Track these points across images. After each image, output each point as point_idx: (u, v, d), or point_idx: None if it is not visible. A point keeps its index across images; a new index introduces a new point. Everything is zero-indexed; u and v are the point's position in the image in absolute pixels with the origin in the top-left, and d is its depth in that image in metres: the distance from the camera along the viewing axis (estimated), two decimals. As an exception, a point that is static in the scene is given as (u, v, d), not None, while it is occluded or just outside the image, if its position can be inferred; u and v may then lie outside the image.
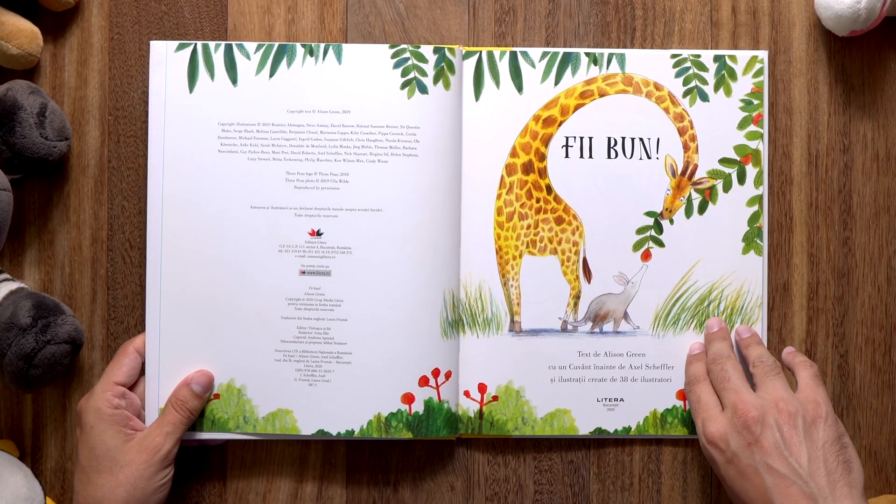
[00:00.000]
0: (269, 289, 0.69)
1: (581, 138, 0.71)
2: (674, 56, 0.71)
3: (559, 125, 0.71)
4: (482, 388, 0.71)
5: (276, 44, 0.69)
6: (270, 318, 0.69)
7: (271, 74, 0.69)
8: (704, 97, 0.71)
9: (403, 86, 0.69)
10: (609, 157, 0.71)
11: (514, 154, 0.71)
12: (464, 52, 0.70)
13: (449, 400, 0.69)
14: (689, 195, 0.71)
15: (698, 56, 0.71)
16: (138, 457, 0.64)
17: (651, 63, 0.71)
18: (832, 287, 0.73)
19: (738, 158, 0.71)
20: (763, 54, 0.72)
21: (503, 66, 0.71)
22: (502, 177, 0.71)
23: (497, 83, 0.71)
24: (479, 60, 0.71)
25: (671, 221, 0.71)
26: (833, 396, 0.72)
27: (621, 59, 0.71)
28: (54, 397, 0.71)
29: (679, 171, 0.71)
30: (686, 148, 0.71)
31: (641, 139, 0.71)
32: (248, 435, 0.70)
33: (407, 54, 0.69)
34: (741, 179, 0.71)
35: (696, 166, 0.71)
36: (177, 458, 0.67)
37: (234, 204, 0.69)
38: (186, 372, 0.69)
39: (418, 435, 0.69)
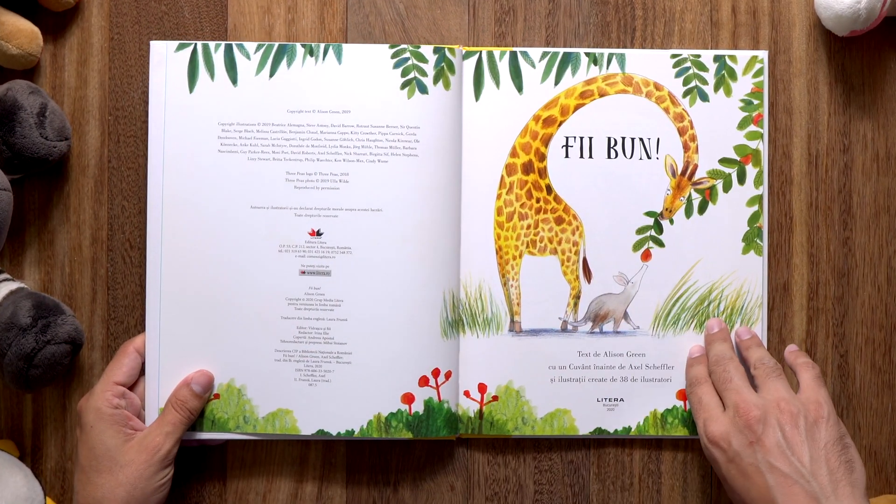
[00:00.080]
0: (269, 289, 0.69)
1: (581, 138, 0.71)
2: (674, 56, 0.71)
3: (559, 125, 0.71)
4: (482, 388, 0.71)
5: (276, 44, 0.69)
6: (270, 318, 0.69)
7: (271, 74, 0.69)
8: (704, 97, 0.71)
9: (403, 86, 0.69)
10: (609, 157, 0.71)
11: (514, 154, 0.71)
12: (464, 52, 0.70)
13: (449, 400, 0.69)
14: (689, 195, 0.71)
15: (698, 56, 0.71)
16: (138, 457, 0.64)
17: (651, 63, 0.71)
18: (832, 287, 0.73)
19: (738, 158, 0.71)
20: (763, 54, 0.72)
21: (503, 66, 0.71)
22: (502, 177, 0.71)
23: (497, 83, 0.71)
24: (479, 60, 0.71)
25: (671, 221, 0.71)
26: (833, 396, 0.72)
27: (621, 59, 0.71)
28: (54, 397, 0.71)
29: (679, 171, 0.71)
30: (686, 148, 0.71)
31: (641, 139, 0.71)
32: (248, 435, 0.70)
33: (407, 54, 0.69)
34: (741, 179, 0.71)
35: (696, 166, 0.71)
36: (177, 458, 0.67)
37: (234, 204, 0.69)
38: (186, 372, 0.69)
39: (418, 435, 0.69)
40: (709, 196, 0.71)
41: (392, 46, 0.69)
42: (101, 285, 0.72)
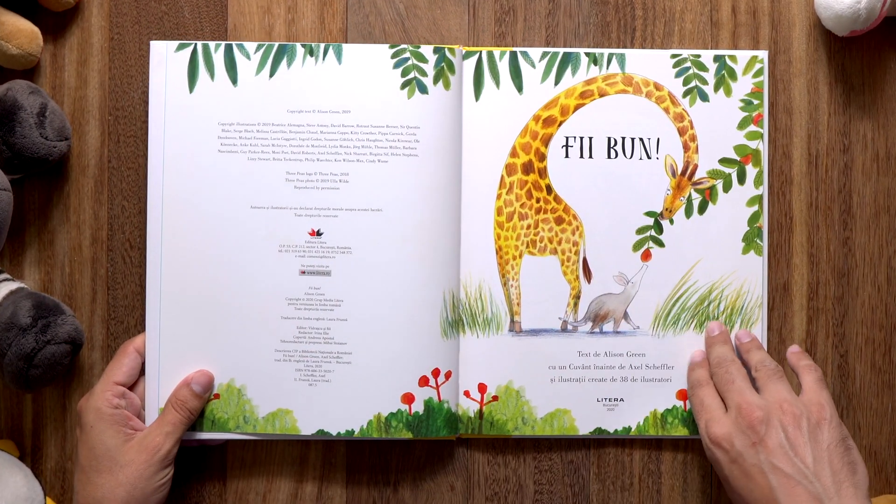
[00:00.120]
0: (269, 289, 0.69)
1: (581, 138, 0.71)
2: (674, 56, 0.71)
3: (559, 125, 0.71)
4: (482, 388, 0.71)
5: (276, 44, 0.69)
6: (270, 318, 0.69)
7: (271, 74, 0.69)
8: (704, 97, 0.71)
9: (403, 86, 0.69)
10: (609, 157, 0.71)
11: (514, 154, 0.71)
12: (464, 52, 0.70)
13: (449, 400, 0.69)
14: (689, 195, 0.71)
15: (698, 56, 0.71)
16: (138, 456, 0.64)
17: (651, 63, 0.71)
18: (832, 287, 0.73)
19: (738, 158, 0.71)
20: (763, 54, 0.72)
21: (503, 66, 0.71)
22: (502, 177, 0.71)
23: (497, 83, 0.71)
24: (479, 60, 0.71)
25: (671, 221, 0.71)
26: (833, 396, 0.72)
27: (621, 59, 0.71)
28: (54, 397, 0.71)
29: (679, 171, 0.71)
30: (686, 148, 0.71)
31: (641, 139, 0.71)
32: (248, 435, 0.70)
33: (407, 54, 0.69)
34: (741, 179, 0.71)
35: (696, 166, 0.71)
36: (177, 458, 0.67)
37: (234, 204, 0.69)
38: (186, 372, 0.69)
39: (418, 435, 0.69)
40: (709, 196, 0.71)
41: (392, 46, 0.69)
42: (101, 285, 0.72)
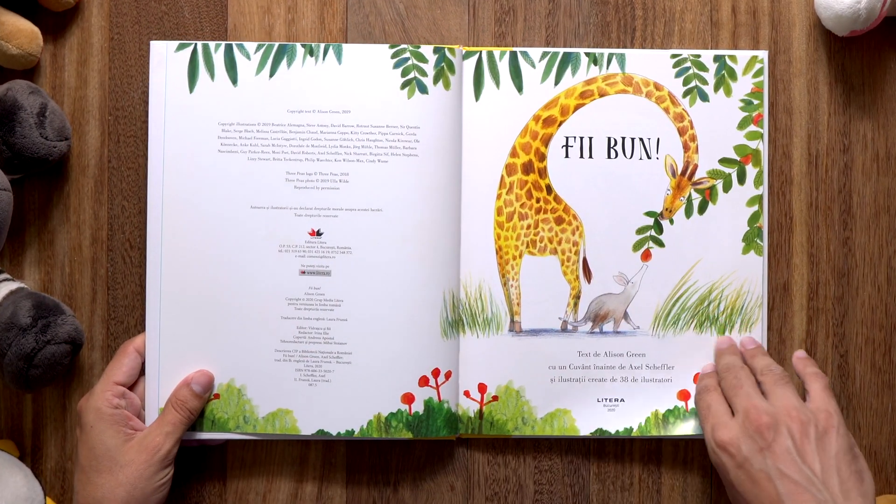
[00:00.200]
0: (269, 289, 0.69)
1: (581, 138, 0.71)
2: (674, 56, 0.71)
3: (559, 125, 0.71)
4: (482, 388, 0.71)
5: (276, 44, 0.69)
6: (270, 318, 0.69)
7: (271, 74, 0.69)
8: (704, 97, 0.71)
9: (403, 86, 0.69)
10: (609, 157, 0.71)
11: (514, 154, 0.71)
12: (464, 52, 0.70)
13: (449, 400, 0.69)
14: (689, 195, 0.71)
15: (698, 56, 0.71)
16: (138, 456, 0.64)
17: (651, 63, 0.71)
18: (832, 287, 0.73)
19: (738, 158, 0.71)
20: (763, 54, 0.72)
21: (503, 66, 0.71)
22: (502, 177, 0.71)
23: (497, 83, 0.71)
24: (479, 60, 0.71)
25: (671, 221, 0.71)
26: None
27: (621, 59, 0.71)
28: (54, 397, 0.71)
29: (679, 171, 0.71)
30: (686, 148, 0.71)
31: (641, 139, 0.71)
32: (248, 435, 0.70)
33: (407, 54, 0.69)
34: (741, 179, 0.71)
35: (696, 166, 0.71)
36: (177, 458, 0.67)
37: (234, 204, 0.69)
38: (186, 372, 0.69)
39: (418, 435, 0.69)
40: (709, 196, 0.71)
41: (392, 46, 0.69)
42: (101, 285, 0.72)
